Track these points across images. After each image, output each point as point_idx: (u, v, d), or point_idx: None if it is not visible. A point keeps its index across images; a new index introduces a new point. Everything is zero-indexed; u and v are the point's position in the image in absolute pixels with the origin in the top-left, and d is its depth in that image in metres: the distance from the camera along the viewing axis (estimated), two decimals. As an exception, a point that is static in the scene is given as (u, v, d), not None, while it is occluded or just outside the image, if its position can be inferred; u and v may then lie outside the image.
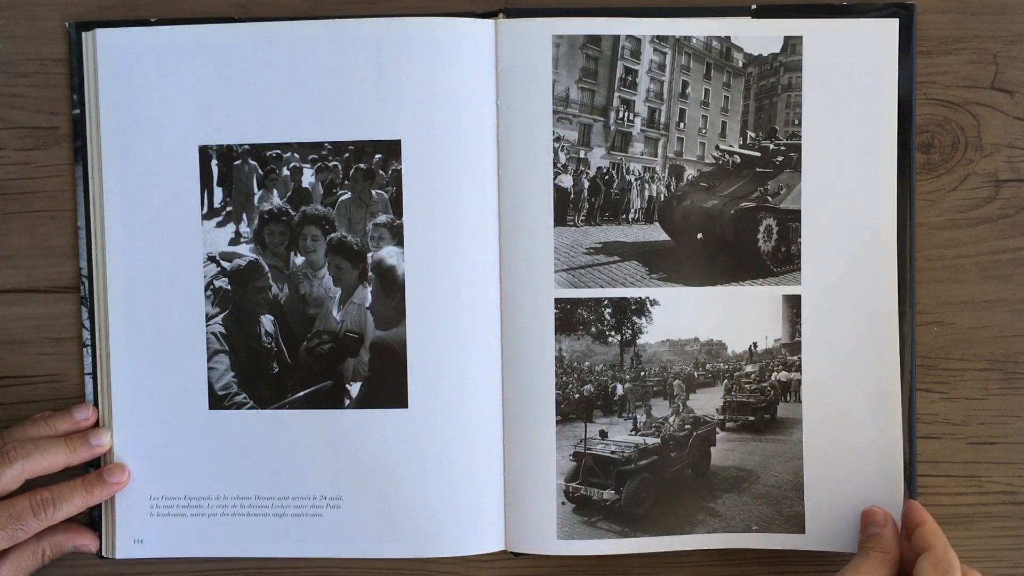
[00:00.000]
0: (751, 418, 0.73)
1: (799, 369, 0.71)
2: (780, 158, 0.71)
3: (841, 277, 0.70)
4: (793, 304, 0.71)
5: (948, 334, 0.71)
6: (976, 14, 0.70)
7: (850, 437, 0.71)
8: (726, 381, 0.73)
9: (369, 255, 0.71)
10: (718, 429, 0.73)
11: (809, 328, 0.71)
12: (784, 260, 0.71)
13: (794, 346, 0.71)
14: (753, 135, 0.72)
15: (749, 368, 0.72)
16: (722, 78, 0.72)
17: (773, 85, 0.71)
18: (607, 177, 0.71)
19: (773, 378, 0.72)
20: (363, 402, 0.71)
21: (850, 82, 0.70)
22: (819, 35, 0.70)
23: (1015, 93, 0.70)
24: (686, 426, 0.73)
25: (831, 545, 0.71)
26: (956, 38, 0.70)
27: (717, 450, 0.73)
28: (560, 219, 0.70)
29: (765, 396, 0.72)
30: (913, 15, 0.69)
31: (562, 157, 0.70)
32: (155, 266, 0.71)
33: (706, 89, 0.72)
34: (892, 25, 0.69)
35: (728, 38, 0.71)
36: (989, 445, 0.71)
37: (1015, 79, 0.70)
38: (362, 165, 0.70)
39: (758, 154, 0.72)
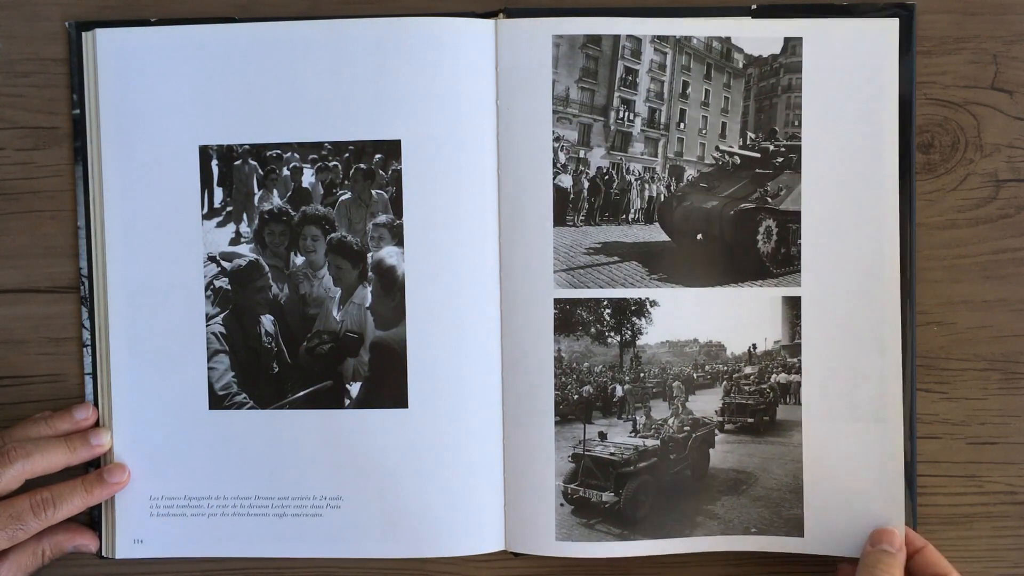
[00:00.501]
0: (750, 420, 0.72)
1: (799, 371, 0.71)
2: (780, 159, 0.71)
3: (842, 279, 0.70)
4: (793, 306, 0.71)
5: (948, 334, 0.71)
6: (976, 14, 0.70)
7: (850, 440, 0.70)
8: (725, 383, 0.73)
9: (369, 255, 0.71)
10: (717, 431, 0.73)
11: (809, 330, 0.70)
12: (784, 261, 0.71)
13: (794, 348, 0.71)
14: (753, 136, 0.71)
15: (748, 370, 0.72)
16: (722, 79, 0.71)
17: (773, 86, 0.71)
18: (607, 177, 0.71)
19: (772, 380, 0.72)
20: (363, 402, 0.71)
21: (850, 83, 0.69)
22: (819, 36, 0.69)
23: (1015, 93, 0.70)
24: (685, 428, 0.73)
25: (830, 549, 0.70)
26: (956, 38, 0.70)
27: (716, 452, 0.72)
28: (560, 219, 0.70)
29: (764, 398, 0.72)
30: (913, 15, 0.69)
31: (562, 157, 0.70)
32: (155, 266, 0.71)
33: (706, 90, 0.71)
34: (892, 25, 0.69)
35: (728, 39, 0.70)
36: (989, 445, 0.71)
37: (1015, 79, 0.70)
38: (362, 165, 0.70)
39: (758, 155, 0.72)
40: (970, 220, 0.70)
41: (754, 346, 0.71)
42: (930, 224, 0.70)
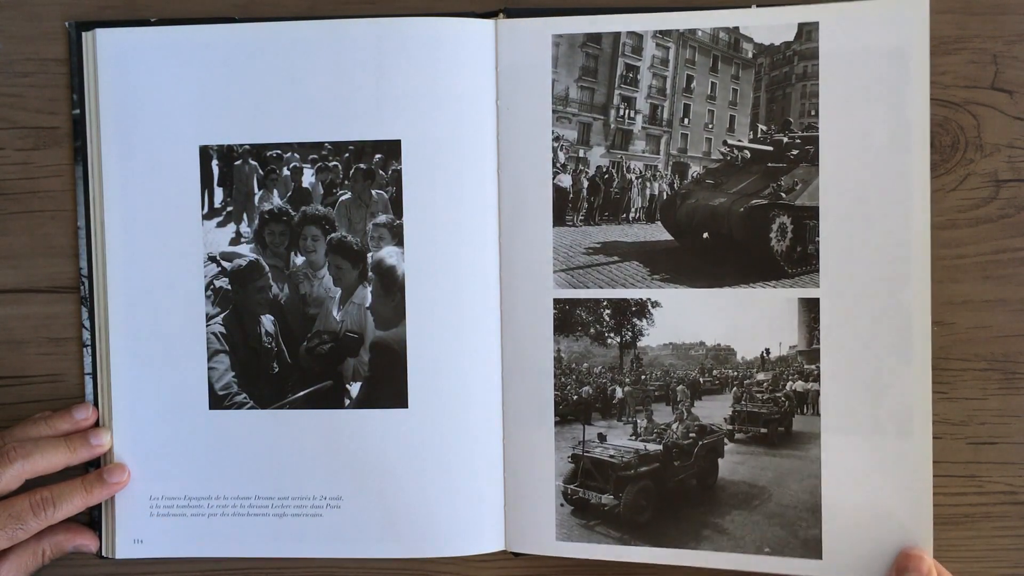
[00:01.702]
0: (763, 430, 0.69)
1: (817, 379, 0.67)
2: (795, 152, 0.68)
3: (865, 279, 0.66)
4: (811, 308, 0.67)
5: (948, 334, 0.71)
6: (976, 14, 0.70)
7: (873, 455, 0.66)
8: (735, 389, 0.69)
9: (369, 255, 0.71)
10: (726, 440, 0.70)
11: (829, 334, 0.66)
12: (800, 261, 0.67)
13: (812, 354, 0.67)
14: (765, 128, 0.68)
15: (761, 376, 0.69)
16: (730, 70, 0.69)
17: (787, 75, 0.67)
18: (606, 176, 0.71)
19: (788, 388, 0.68)
20: (363, 402, 0.71)
21: (873, 68, 0.66)
22: (837, 19, 0.66)
23: (1015, 93, 0.70)
24: (691, 434, 0.70)
25: (851, 573, 0.67)
26: (956, 38, 0.70)
27: (725, 462, 0.69)
28: (559, 219, 0.70)
29: (779, 407, 0.68)
30: None
31: (561, 156, 0.70)
32: (155, 266, 0.71)
33: (712, 83, 0.69)
34: (922, 3, 0.66)
35: (736, 28, 0.68)
36: (989, 445, 0.71)
37: (1015, 79, 0.70)
38: (362, 165, 0.70)
39: (770, 148, 0.69)
40: (970, 220, 0.70)
41: (767, 351, 0.68)
42: (930, 224, 0.70)
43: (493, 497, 0.71)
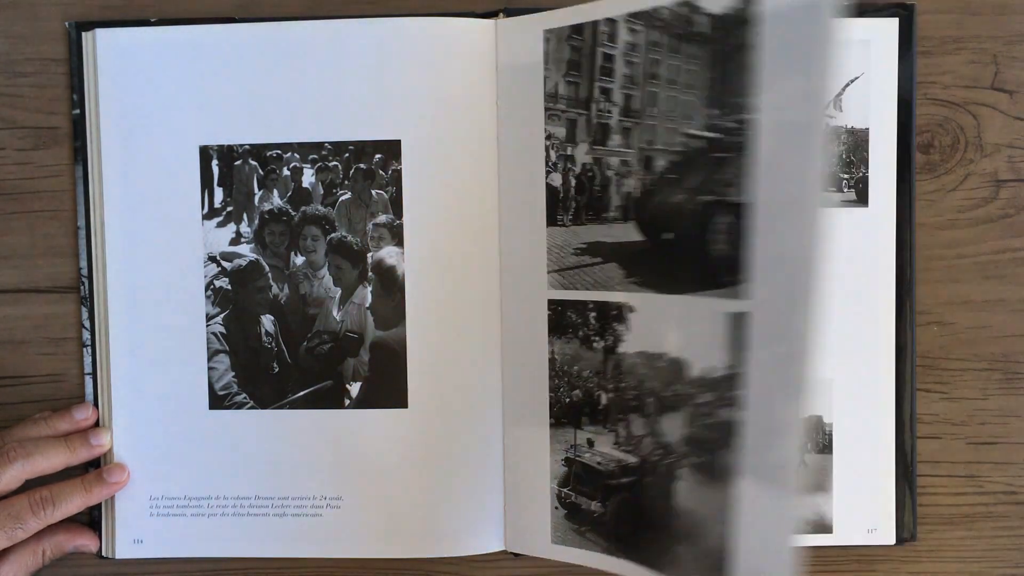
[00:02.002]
0: (703, 459, 0.59)
1: (742, 406, 0.55)
2: (739, 138, 0.56)
3: (787, 293, 0.52)
4: (742, 323, 0.55)
5: (948, 334, 0.71)
6: (976, 14, 0.70)
7: (762, 507, 0.54)
8: (688, 409, 0.60)
9: (369, 255, 0.71)
10: (680, 463, 0.61)
11: (755, 354, 0.54)
12: (738, 267, 0.56)
13: (741, 377, 0.56)
14: (717, 112, 0.58)
15: (706, 397, 0.59)
16: (690, 49, 0.60)
17: (737, 48, 0.56)
18: (590, 174, 0.68)
19: (723, 414, 0.57)
20: (363, 402, 0.71)
21: (812, 22, 0.50)
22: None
23: (1015, 93, 0.70)
24: (657, 451, 0.64)
25: None
26: (956, 38, 0.70)
27: (679, 487, 0.61)
28: (551, 219, 0.69)
29: (716, 434, 0.58)
30: (913, 15, 0.69)
31: (552, 155, 0.69)
32: (155, 266, 0.71)
33: (675, 65, 0.61)
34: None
35: (690, 1, 0.59)
36: (989, 445, 0.71)
37: (1015, 79, 0.70)
38: (362, 165, 0.70)
39: (720, 135, 0.58)
40: (970, 220, 0.70)
41: (712, 369, 0.58)
42: (930, 224, 0.70)
43: (493, 497, 0.71)
